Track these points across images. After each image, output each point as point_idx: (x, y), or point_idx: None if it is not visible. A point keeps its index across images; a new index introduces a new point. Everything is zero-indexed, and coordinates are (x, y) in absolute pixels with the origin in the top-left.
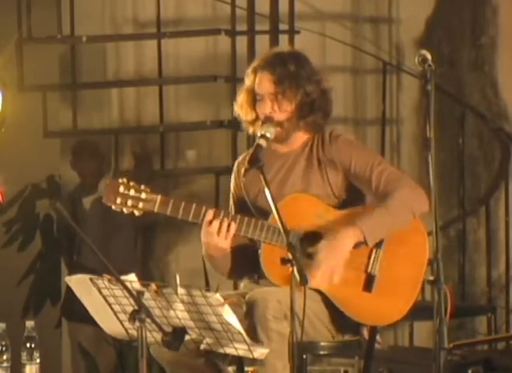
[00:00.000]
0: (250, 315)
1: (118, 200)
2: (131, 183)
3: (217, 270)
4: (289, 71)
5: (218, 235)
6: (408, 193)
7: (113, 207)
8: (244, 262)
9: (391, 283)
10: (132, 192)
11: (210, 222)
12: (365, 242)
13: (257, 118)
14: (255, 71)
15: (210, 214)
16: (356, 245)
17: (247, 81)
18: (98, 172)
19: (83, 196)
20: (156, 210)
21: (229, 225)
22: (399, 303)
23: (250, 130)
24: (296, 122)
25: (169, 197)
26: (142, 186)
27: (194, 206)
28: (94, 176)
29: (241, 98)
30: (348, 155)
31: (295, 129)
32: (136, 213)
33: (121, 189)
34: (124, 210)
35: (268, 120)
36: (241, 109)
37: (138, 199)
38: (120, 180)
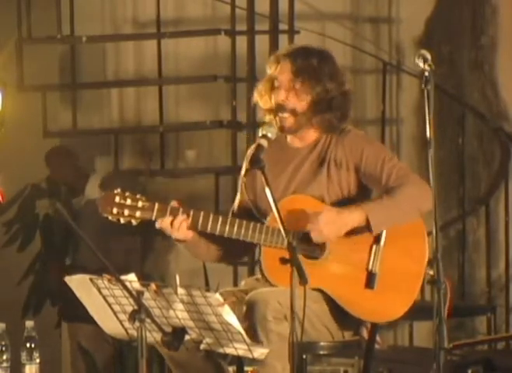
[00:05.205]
0: (250, 316)
1: (115, 211)
2: (127, 193)
3: (201, 259)
4: (311, 64)
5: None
6: (416, 189)
7: (109, 217)
8: (231, 245)
9: (393, 278)
10: (129, 201)
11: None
12: (367, 228)
13: None
14: (278, 60)
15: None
16: (358, 232)
17: (269, 70)
18: (80, 174)
19: (72, 198)
20: (153, 218)
21: (181, 223)
22: (403, 297)
23: (267, 119)
24: (310, 116)
25: (166, 204)
26: (138, 195)
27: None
28: (78, 178)
29: (262, 86)
30: (360, 149)
31: (307, 123)
32: (133, 222)
33: (117, 199)
34: (122, 220)
35: (280, 107)
36: (261, 97)
37: (135, 208)
38: (115, 191)
